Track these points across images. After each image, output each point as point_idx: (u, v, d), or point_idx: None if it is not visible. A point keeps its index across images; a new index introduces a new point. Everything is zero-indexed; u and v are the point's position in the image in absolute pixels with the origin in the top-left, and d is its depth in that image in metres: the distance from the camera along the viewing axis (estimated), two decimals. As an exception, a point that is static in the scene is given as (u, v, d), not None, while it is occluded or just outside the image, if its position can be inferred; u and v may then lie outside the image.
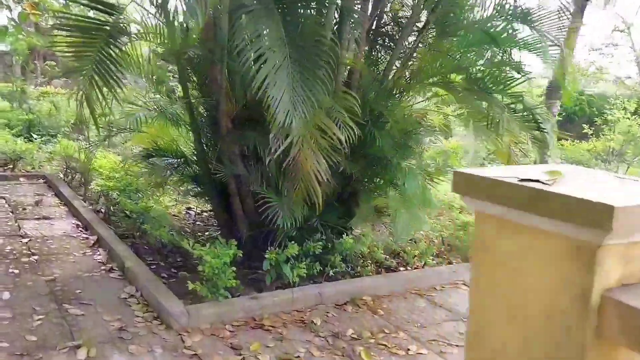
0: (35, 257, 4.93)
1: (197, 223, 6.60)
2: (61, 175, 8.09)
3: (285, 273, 4.35)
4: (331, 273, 4.60)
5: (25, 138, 10.25)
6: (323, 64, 3.54)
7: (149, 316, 3.97)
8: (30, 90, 17.44)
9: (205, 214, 6.95)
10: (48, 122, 12.15)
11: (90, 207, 6.49)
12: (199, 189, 5.54)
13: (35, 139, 10.00)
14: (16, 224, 5.86)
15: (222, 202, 5.25)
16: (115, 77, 3.94)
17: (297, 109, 3.36)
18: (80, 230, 5.85)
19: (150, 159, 5.57)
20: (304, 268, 4.36)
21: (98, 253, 5.17)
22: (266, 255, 4.33)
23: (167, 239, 4.87)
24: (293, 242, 4.41)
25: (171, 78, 5.74)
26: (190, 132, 5.22)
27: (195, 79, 5.21)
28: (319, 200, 3.80)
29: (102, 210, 6.37)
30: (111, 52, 3.99)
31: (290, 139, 3.41)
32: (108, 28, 3.94)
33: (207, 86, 5.03)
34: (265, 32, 3.40)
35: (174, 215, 6.59)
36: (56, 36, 5.06)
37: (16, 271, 4.57)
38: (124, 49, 4.15)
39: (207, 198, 5.60)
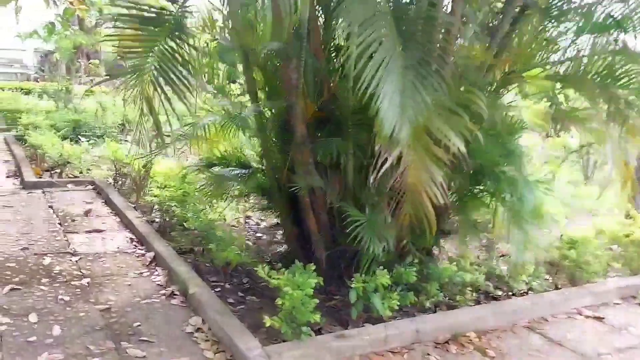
0: (87, 280, 4.39)
1: (258, 234, 6.01)
2: (110, 181, 7.63)
3: (374, 305, 3.68)
4: (427, 304, 3.91)
5: (71, 140, 9.89)
6: (436, 55, 2.84)
7: (221, 358, 3.36)
8: (74, 90, 17.31)
9: (264, 222, 6.36)
10: (94, 123, 11.81)
11: (144, 218, 5.96)
12: (266, 201, 4.92)
13: (83, 141, 9.60)
14: (65, 239, 5.37)
15: (292, 215, 4.63)
16: (179, 76, 3.33)
17: (407, 111, 2.66)
18: (135, 246, 5.32)
19: (211, 168, 4.98)
20: (396, 299, 3.68)
21: (156, 273, 4.62)
22: (352, 285, 3.67)
23: (236, 261, 4.27)
24: (382, 267, 3.74)
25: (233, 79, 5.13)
26: (257, 139, 4.61)
27: (261, 78, 4.58)
28: (432, 224, 3.10)
29: (157, 221, 5.84)
30: (174, 46, 3.39)
31: (400, 149, 2.72)
32: (171, 20, 3.33)
33: (276, 87, 4.40)
34: (368, 19, 2.70)
35: (232, 226, 6.01)
36: (108, 34, 4.53)
37: (66, 298, 4.04)
38: (190, 43, 3.53)
39: (274, 211, 4.99)
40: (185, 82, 3.39)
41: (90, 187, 7.50)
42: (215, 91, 5.02)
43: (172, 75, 3.29)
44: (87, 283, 4.34)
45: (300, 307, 3.43)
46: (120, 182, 7.40)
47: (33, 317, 3.67)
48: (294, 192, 4.18)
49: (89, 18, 15.66)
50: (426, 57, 2.79)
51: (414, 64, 2.67)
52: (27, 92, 20.53)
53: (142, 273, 4.64)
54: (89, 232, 5.63)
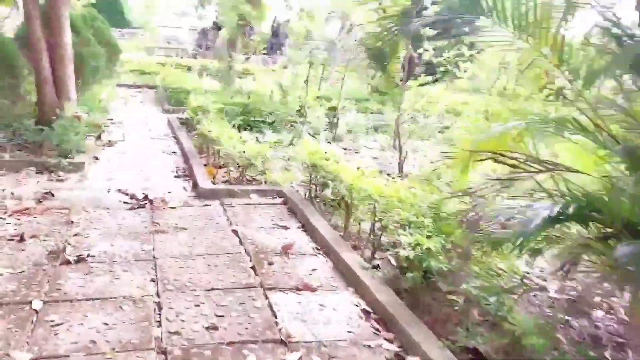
0: None
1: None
2: (300, 191, 5.73)
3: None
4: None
5: (240, 128, 8.26)
6: None
7: None
8: (238, 68, 16.09)
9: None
10: (265, 108, 10.16)
11: (369, 265, 3.90)
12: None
13: (263, 134, 7.92)
14: (267, 303, 3.45)
15: None
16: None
17: None
18: (374, 329, 3.25)
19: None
20: None
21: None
22: None
23: None
24: None
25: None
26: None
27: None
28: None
29: (387, 273, 3.74)
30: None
31: None
32: None
33: None
34: None
35: (512, 296, 3.73)
36: None
37: None
38: None
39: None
40: None
41: (278, 199, 5.64)
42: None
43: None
44: None
45: None
46: (314, 194, 5.46)
47: None
48: None
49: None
50: None
51: None
52: (188, 69, 19.98)
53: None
54: (298, 290, 3.67)
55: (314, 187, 5.52)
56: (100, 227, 4.58)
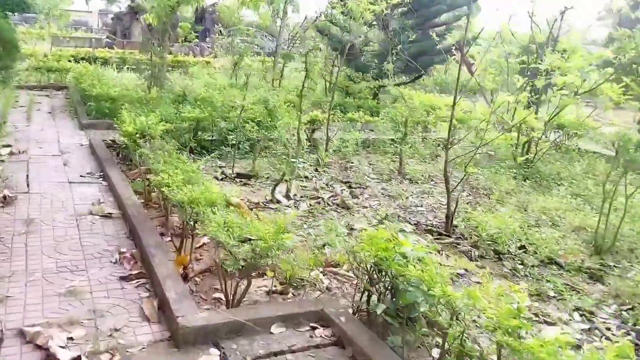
0: None
1: None
2: (342, 294, 3.27)
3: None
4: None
5: (192, 153, 5.60)
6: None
7: None
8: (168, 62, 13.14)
9: None
10: (227, 124, 7.50)
11: None
12: None
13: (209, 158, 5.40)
14: None
15: None
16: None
17: None
18: None
19: None
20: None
21: None
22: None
23: None
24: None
25: None
26: None
27: None
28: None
29: None
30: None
31: None
32: None
33: None
34: None
35: None
36: None
37: None
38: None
39: None
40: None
41: (323, 333, 3.14)
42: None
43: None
44: None
45: None
46: (372, 308, 3.05)
47: None
48: None
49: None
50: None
51: None
52: (103, 62, 16.66)
53: None
54: None
55: (370, 292, 3.09)
56: None
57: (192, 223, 3.95)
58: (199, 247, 4.40)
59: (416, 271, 2.79)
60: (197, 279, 3.88)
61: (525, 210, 6.15)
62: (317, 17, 12.30)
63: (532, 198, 6.60)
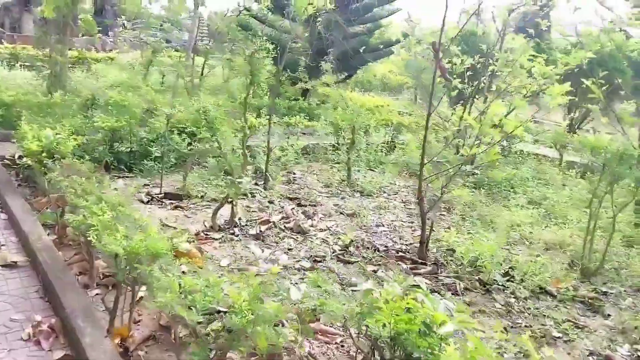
0: None
1: None
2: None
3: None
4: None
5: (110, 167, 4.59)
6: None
7: None
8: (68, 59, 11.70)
9: None
10: (147, 132, 6.46)
11: None
12: None
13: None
14: None
15: None
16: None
17: None
18: None
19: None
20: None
21: None
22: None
23: None
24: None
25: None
26: None
27: None
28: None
29: None
30: None
31: None
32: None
33: None
34: None
35: None
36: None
37: None
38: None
39: None
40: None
41: None
42: None
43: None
44: None
45: None
46: None
47: None
48: None
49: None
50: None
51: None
52: (-7, 59, 14.64)
53: None
54: None
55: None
56: None
57: (129, 279, 3.02)
58: (137, 300, 3.46)
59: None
60: (139, 352, 2.98)
61: (492, 227, 5.68)
62: (240, 11, 11.34)
63: (493, 211, 6.17)
